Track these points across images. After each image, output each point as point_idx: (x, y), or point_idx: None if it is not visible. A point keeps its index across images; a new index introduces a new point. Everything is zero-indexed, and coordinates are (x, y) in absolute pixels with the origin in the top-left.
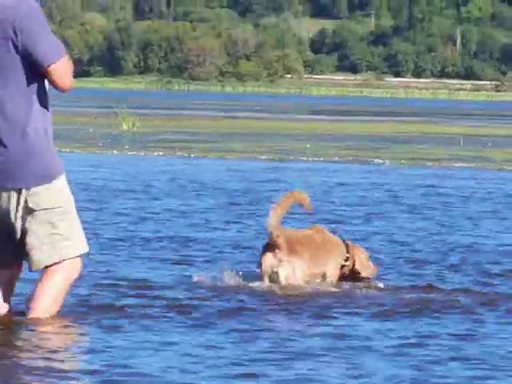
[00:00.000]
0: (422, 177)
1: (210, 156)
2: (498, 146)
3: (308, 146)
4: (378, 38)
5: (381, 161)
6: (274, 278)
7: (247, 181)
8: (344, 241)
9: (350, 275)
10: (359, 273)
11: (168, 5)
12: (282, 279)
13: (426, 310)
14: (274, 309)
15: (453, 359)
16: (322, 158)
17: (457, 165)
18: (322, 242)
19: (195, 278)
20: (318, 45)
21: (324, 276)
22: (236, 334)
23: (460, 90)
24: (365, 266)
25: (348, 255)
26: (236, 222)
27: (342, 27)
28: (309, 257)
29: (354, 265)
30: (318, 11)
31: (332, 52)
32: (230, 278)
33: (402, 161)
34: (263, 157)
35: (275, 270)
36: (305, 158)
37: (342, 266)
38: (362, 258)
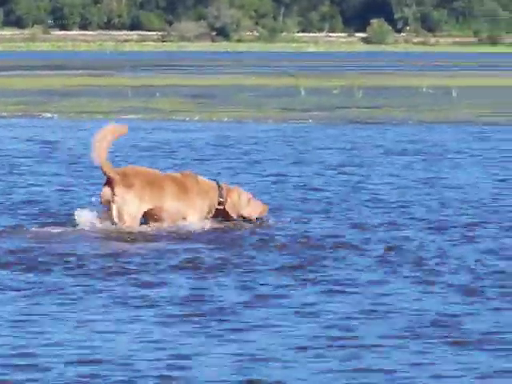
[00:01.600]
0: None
1: None
2: (165, 96)
3: None
4: None
5: (50, 115)
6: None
7: None
8: (219, 185)
9: (224, 215)
10: (228, 213)
11: None
12: (114, 213)
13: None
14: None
15: None
16: None
17: (126, 116)
18: (183, 184)
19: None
20: None
21: (185, 217)
22: None
23: (126, 41)
24: (236, 206)
25: (222, 199)
26: None
27: None
28: (150, 191)
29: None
30: None
31: None
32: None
33: (71, 114)
34: None
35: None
36: None
37: (217, 209)
38: (236, 200)
